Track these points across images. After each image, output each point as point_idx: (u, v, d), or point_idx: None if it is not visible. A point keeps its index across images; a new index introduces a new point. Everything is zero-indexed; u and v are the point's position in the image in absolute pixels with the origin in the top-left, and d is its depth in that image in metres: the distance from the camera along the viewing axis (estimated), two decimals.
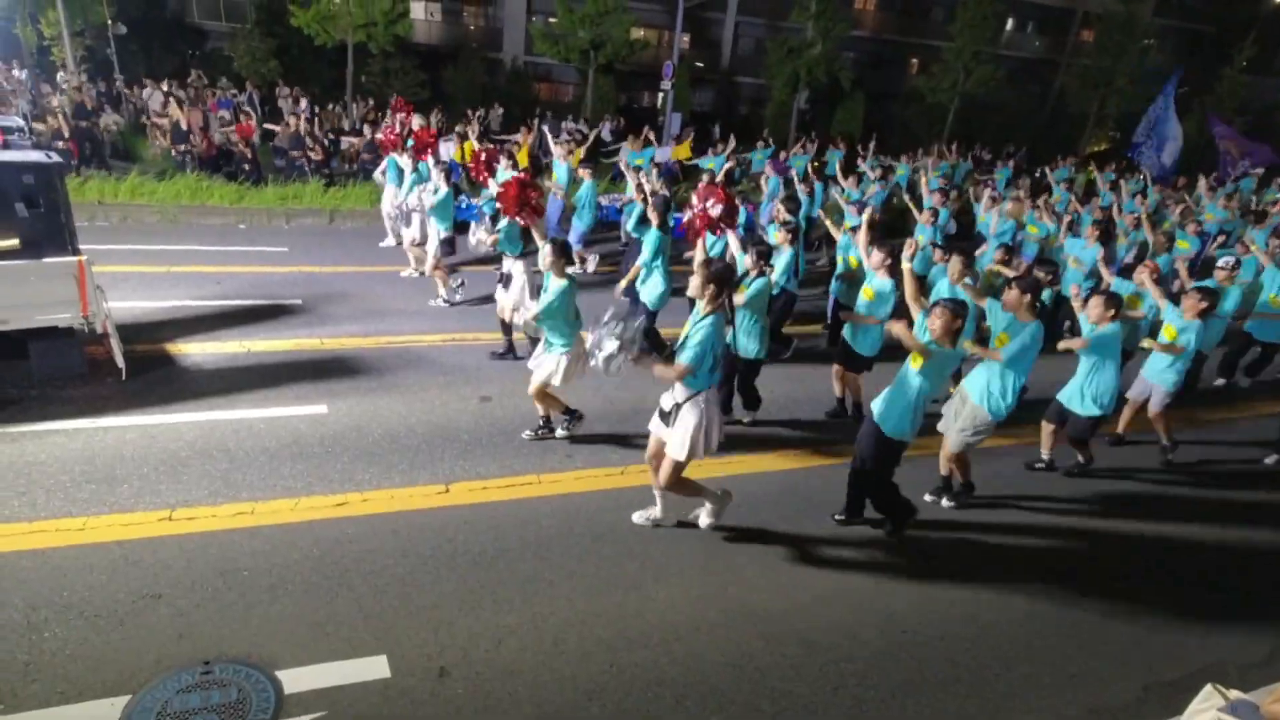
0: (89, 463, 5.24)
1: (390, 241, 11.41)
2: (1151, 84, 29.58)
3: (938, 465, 5.80)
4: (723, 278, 4.40)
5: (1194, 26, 34.65)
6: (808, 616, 4.44)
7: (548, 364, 5.70)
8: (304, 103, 19.48)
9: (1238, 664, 4.36)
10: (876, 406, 4.95)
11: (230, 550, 4.51)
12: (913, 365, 4.72)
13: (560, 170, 11.93)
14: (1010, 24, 34.30)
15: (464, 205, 11.73)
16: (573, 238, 11.25)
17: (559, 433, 6.13)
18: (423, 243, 9.82)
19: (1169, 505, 6.20)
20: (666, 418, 4.58)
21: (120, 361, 6.32)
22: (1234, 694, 3.47)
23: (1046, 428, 6.37)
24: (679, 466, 4.64)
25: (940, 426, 5.64)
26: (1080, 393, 5.94)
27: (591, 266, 11.40)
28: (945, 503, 5.77)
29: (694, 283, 4.45)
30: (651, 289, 7.48)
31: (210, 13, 26.13)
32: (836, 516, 5.37)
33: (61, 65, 19.58)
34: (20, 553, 4.30)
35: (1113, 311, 5.67)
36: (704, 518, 5.07)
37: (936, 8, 32.65)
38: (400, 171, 10.45)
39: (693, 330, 4.42)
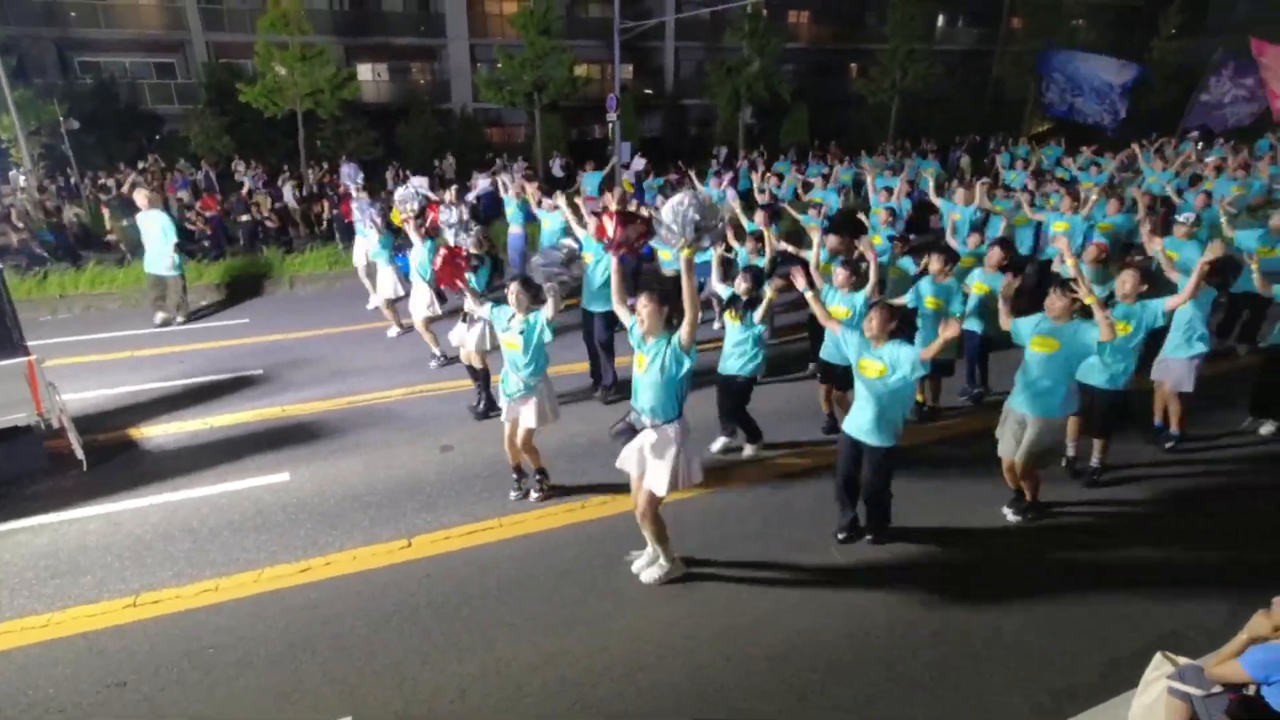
0: (53, 557, 5.24)
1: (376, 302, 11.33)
2: None
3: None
4: (670, 300, 4.40)
5: (1120, 1, 35.40)
6: (771, 629, 4.47)
7: (526, 413, 5.51)
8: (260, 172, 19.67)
9: (1197, 629, 4.41)
10: (863, 429, 4.87)
11: (195, 630, 4.50)
12: (875, 375, 4.75)
13: (513, 207, 12.02)
14: (941, 20, 35.00)
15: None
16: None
17: (532, 495, 5.87)
18: (397, 300, 9.91)
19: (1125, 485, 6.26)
20: (627, 437, 4.59)
21: (80, 453, 6.31)
22: (1182, 660, 3.54)
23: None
24: (656, 500, 4.57)
25: (1001, 451, 5.46)
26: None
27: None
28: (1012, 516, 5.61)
29: (646, 312, 4.34)
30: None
31: (163, 97, 26.27)
32: (840, 535, 5.27)
33: (17, 166, 19.63)
34: None
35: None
36: (647, 570, 4.86)
37: (868, 13, 33.24)
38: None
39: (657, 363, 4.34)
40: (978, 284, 7.00)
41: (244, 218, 15.22)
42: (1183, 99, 28.10)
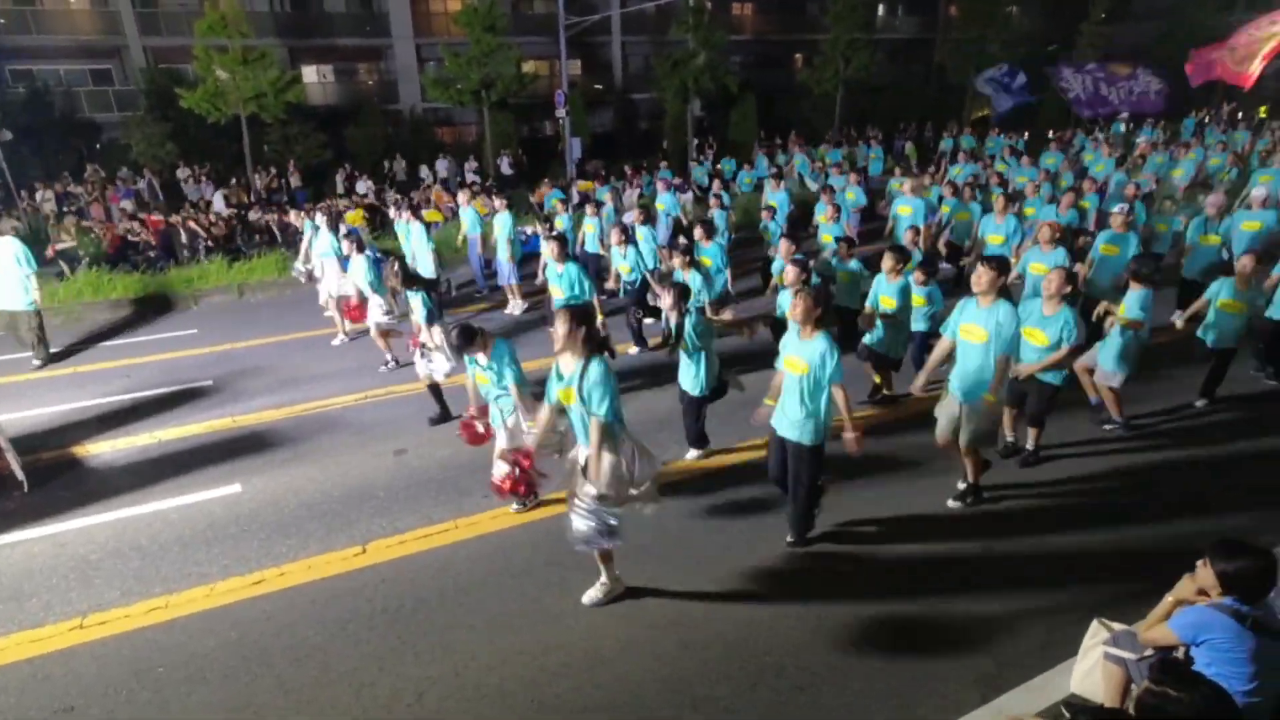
0: None
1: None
2: (1020, 46, 30.89)
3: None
4: (587, 317, 4.18)
5: None
6: (726, 616, 4.50)
7: (500, 436, 5.44)
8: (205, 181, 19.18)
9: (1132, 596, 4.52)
10: (790, 425, 4.77)
11: (145, 649, 4.39)
12: (801, 371, 4.67)
13: (466, 214, 11.91)
14: (882, 9, 35.40)
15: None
16: (503, 277, 11.22)
17: (513, 507, 5.65)
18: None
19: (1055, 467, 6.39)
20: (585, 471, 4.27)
21: (20, 474, 6.10)
22: (1117, 626, 3.65)
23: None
24: None
25: (937, 431, 5.46)
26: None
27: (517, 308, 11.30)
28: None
29: (562, 333, 4.07)
30: None
31: (101, 105, 25.36)
32: (789, 540, 5.16)
33: None
34: None
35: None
36: (589, 592, 4.63)
37: (810, 3, 33.46)
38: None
39: (588, 385, 4.05)
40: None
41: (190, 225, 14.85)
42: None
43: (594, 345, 4.14)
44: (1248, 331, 6.90)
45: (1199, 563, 3.15)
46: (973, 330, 5.12)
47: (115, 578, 5.06)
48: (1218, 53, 17.34)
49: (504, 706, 3.88)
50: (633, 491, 4.30)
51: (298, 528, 5.59)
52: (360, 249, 8.60)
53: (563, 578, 4.86)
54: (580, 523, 4.23)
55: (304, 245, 10.81)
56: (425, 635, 4.40)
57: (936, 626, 4.36)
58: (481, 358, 5.28)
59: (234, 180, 21.00)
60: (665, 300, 5.98)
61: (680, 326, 5.84)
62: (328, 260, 9.88)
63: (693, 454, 6.42)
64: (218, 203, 17.52)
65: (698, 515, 5.59)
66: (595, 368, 4.05)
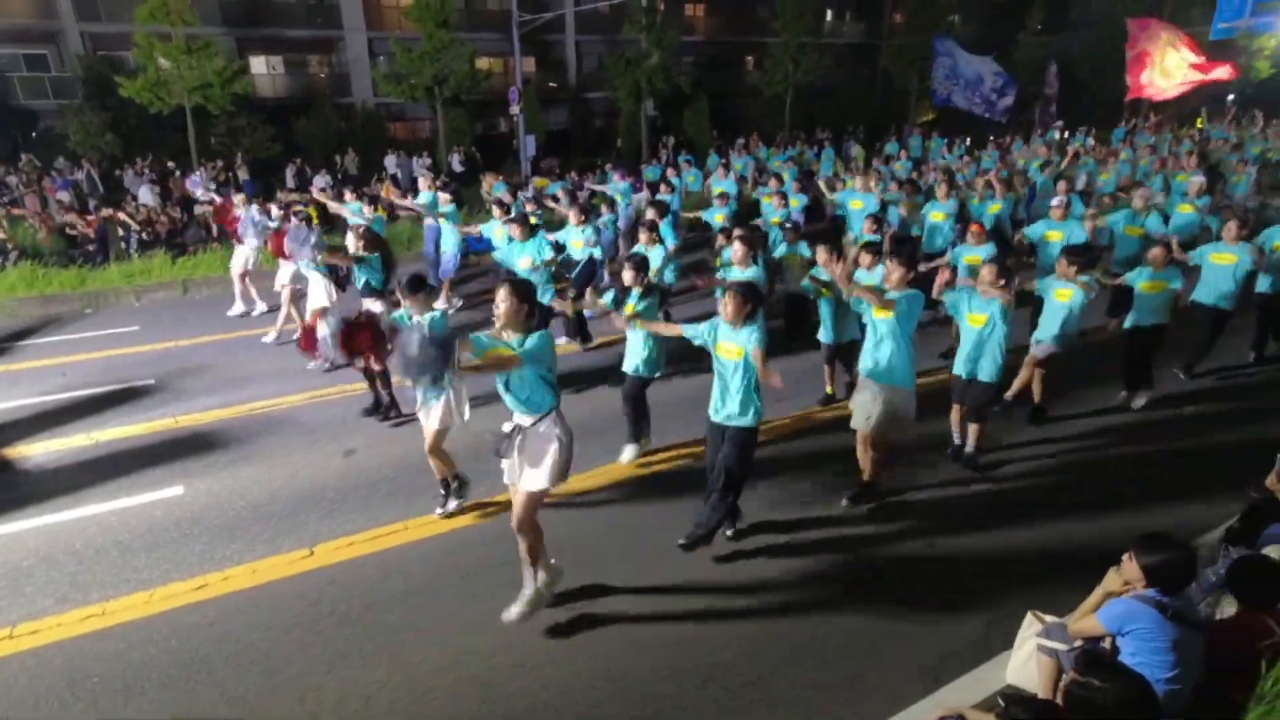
0: None
1: (239, 309, 10.87)
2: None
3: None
4: (529, 293, 4.08)
5: None
6: (676, 614, 4.49)
7: (432, 416, 5.23)
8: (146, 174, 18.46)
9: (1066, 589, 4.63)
10: (728, 412, 4.80)
11: (79, 658, 4.20)
12: (736, 357, 4.74)
13: (425, 197, 11.65)
14: (830, 14, 35.87)
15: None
16: (444, 268, 11.02)
17: (450, 504, 5.50)
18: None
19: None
20: (507, 445, 4.16)
21: None
22: (1049, 618, 3.74)
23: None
24: (537, 499, 4.20)
25: (854, 423, 5.52)
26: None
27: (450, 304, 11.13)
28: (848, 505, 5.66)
29: (504, 309, 3.95)
30: None
31: (36, 92, 24.18)
32: (728, 533, 5.18)
33: None
34: None
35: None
36: (516, 607, 4.37)
37: (760, 7, 33.72)
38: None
39: (528, 352, 3.92)
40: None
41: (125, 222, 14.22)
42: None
43: (537, 321, 4.06)
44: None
45: (1125, 557, 3.24)
46: (884, 314, 5.26)
47: (48, 585, 4.83)
48: (1146, 73, 18.24)
49: (453, 709, 3.82)
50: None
51: (243, 530, 5.41)
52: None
53: (514, 578, 4.74)
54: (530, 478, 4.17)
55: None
56: (374, 638, 4.30)
57: (881, 621, 4.42)
58: (417, 318, 5.18)
59: (178, 173, 20.26)
60: (628, 275, 6.05)
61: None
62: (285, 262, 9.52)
63: (629, 452, 6.31)
64: (144, 195, 16.69)
65: (645, 513, 5.58)
66: (534, 339, 3.94)
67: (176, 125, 20.39)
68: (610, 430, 6.65)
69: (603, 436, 6.67)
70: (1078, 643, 3.41)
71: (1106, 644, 3.30)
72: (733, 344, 4.72)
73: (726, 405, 4.83)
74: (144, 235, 14.09)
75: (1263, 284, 7.78)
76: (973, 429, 6.13)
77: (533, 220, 9.55)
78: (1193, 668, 3.08)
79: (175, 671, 4.08)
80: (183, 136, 20.25)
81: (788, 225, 8.55)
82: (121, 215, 14.03)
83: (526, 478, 4.16)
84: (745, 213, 13.37)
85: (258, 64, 27.33)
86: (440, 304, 10.88)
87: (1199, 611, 3.42)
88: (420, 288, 5.37)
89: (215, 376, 8.43)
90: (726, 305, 4.70)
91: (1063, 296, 6.39)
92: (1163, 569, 3.09)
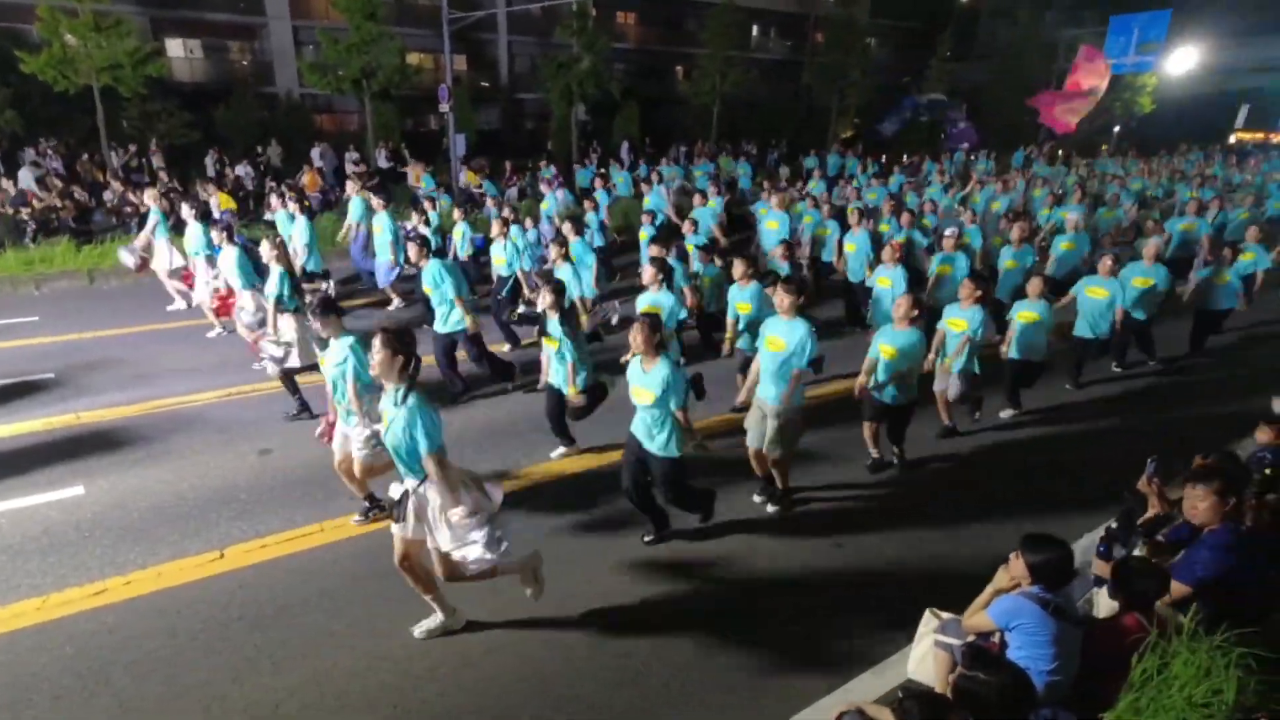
0: None
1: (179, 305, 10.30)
2: (878, 75, 32.78)
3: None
4: (407, 343, 3.71)
5: (906, 24, 38.54)
6: (593, 616, 4.47)
7: (354, 437, 4.95)
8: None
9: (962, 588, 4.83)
10: (650, 443, 4.74)
11: None
12: (649, 400, 4.62)
13: (354, 204, 11.28)
14: (755, 30, 36.55)
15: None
16: (381, 279, 10.69)
17: (354, 519, 5.28)
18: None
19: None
20: (400, 510, 3.85)
21: None
22: (946, 615, 3.89)
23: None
24: (443, 557, 3.88)
25: (749, 440, 5.55)
26: None
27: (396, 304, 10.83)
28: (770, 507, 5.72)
29: (379, 359, 3.64)
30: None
31: None
32: (647, 539, 5.21)
33: None
34: None
35: None
36: (423, 626, 4.24)
37: (690, 19, 34.07)
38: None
39: (399, 419, 3.64)
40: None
41: (23, 210, 13.27)
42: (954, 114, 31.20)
43: (410, 373, 3.68)
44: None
45: (1012, 555, 3.40)
46: (775, 341, 5.28)
47: None
48: (1058, 103, 19.41)
49: (367, 714, 3.72)
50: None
51: (147, 532, 5.13)
52: (231, 239, 8.00)
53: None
54: (469, 550, 3.77)
55: (147, 230, 9.97)
56: (285, 643, 4.14)
57: (791, 621, 4.50)
58: (333, 343, 5.00)
59: (85, 156, 19.02)
60: (545, 298, 5.86)
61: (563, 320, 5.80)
62: (199, 259, 9.09)
63: (559, 451, 6.34)
64: (23, 179, 15.29)
65: (564, 516, 5.54)
66: (413, 401, 3.64)
67: (85, 106, 19.09)
68: (532, 432, 6.61)
69: (522, 439, 6.64)
70: (971, 638, 3.56)
71: (996, 639, 3.47)
72: (644, 389, 4.60)
73: (649, 437, 4.76)
74: (28, 222, 13.11)
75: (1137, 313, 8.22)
76: (883, 442, 6.30)
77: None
78: (1072, 660, 3.26)
79: (69, 682, 3.84)
80: (91, 118, 18.96)
81: (702, 248, 8.58)
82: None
83: (435, 538, 3.81)
84: (676, 226, 13.43)
85: (174, 46, 25.89)
86: (395, 306, 10.63)
87: (1077, 608, 3.63)
88: (331, 309, 5.10)
89: (122, 371, 7.95)
90: (635, 336, 4.59)
91: (957, 325, 6.55)
92: (1045, 566, 3.27)
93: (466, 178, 18.59)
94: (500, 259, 8.90)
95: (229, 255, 7.90)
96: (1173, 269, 9.09)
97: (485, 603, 4.47)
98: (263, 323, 7.36)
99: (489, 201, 13.05)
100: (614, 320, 9.96)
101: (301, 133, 24.28)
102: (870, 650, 4.24)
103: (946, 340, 6.65)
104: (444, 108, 19.61)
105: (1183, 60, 25.83)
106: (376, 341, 3.66)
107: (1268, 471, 4.47)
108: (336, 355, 4.96)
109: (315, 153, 20.99)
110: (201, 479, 5.85)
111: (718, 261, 8.44)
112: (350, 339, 4.98)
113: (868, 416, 6.22)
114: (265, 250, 7.01)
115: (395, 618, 4.35)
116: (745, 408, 5.71)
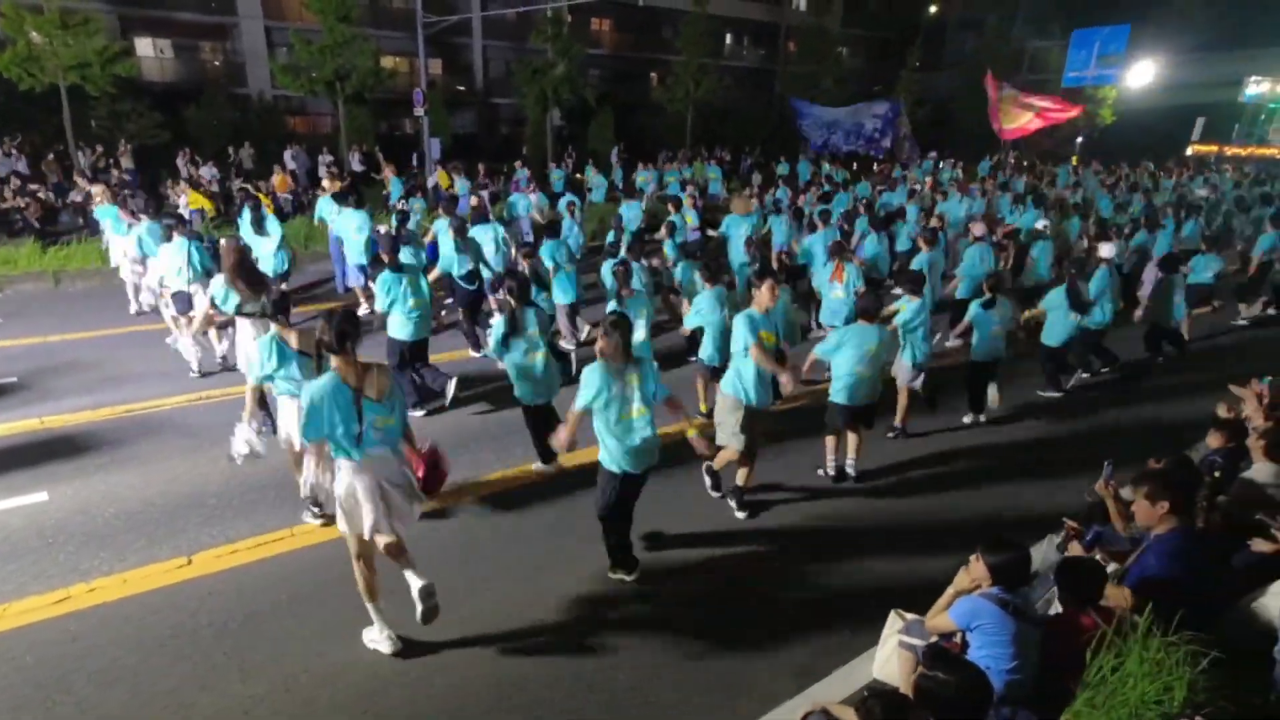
0: None
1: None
2: (851, 83, 33.15)
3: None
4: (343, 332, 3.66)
5: (877, 34, 39.09)
6: (561, 620, 4.46)
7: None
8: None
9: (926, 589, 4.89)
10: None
11: None
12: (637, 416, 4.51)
13: (323, 203, 11.14)
14: (729, 39, 36.81)
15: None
16: (353, 278, 10.55)
17: (305, 516, 5.28)
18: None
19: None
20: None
21: None
22: (910, 616, 3.95)
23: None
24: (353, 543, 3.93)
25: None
26: None
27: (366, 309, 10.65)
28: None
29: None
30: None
31: None
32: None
33: None
34: None
35: None
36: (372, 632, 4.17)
37: (664, 26, 34.22)
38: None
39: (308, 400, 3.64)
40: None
41: None
42: (926, 122, 31.64)
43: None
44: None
45: (973, 557, 3.46)
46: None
47: None
48: (998, 120, 20.09)
49: (337, 719, 3.68)
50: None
51: (113, 539, 5.03)
52: (183, 232, 7.89)
53: (400, 585, 4.64)
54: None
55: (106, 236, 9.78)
56: (254, 650, 4.09)
57: (757, 626, 4.51)
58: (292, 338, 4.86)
59: (51, 155, 18.61)
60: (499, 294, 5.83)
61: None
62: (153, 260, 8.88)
63: (539, 466, 6.24)
64: None
65: (533, 520, 5.53)
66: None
67: (52, 105, 18.70)
68: (505, 436, 6.59)
69: (495, 443, 6.62)
70: (933, 638, 3.62)
71: (958, 639, 3.53)
72: (640, 406, 4.46)
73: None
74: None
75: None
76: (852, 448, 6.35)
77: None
78: (1031, 659, 3.33)
79: (29, 692, 3.75)
80: (59, 117, 18.58)
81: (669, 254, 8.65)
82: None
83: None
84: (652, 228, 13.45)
85: (144, 46, 25.51)
86: (364, 310, 10.43)
87: (1035, 608, 3.71)
88: (285, 309, 5.09)
89: (88, 375, 7.79)
90: (602, 346, 4.42)
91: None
92: (1004, 567, 3.33)
93: (439, 178, 18.47)
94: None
95: (177, 247, 7.74)
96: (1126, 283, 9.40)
97: (461, 607, 4.44)
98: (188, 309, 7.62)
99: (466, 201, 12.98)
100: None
101: (274, 134, 24.01)
102: (838, 651, 4.28)
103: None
104: (419, 111, 19.52)
105: (1142, 74, 26.55)
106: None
107: (1217, 475, 4.60)
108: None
109: (288, 155, 20.77)
110: (170, 484, 5.76)
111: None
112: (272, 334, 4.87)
113: (844, 422, 6.17)
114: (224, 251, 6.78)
115: (365, 622, 4.29)
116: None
